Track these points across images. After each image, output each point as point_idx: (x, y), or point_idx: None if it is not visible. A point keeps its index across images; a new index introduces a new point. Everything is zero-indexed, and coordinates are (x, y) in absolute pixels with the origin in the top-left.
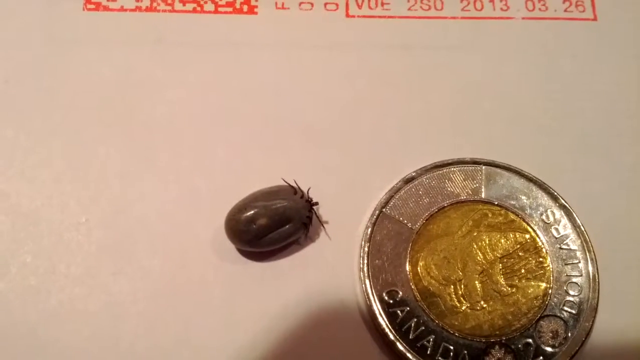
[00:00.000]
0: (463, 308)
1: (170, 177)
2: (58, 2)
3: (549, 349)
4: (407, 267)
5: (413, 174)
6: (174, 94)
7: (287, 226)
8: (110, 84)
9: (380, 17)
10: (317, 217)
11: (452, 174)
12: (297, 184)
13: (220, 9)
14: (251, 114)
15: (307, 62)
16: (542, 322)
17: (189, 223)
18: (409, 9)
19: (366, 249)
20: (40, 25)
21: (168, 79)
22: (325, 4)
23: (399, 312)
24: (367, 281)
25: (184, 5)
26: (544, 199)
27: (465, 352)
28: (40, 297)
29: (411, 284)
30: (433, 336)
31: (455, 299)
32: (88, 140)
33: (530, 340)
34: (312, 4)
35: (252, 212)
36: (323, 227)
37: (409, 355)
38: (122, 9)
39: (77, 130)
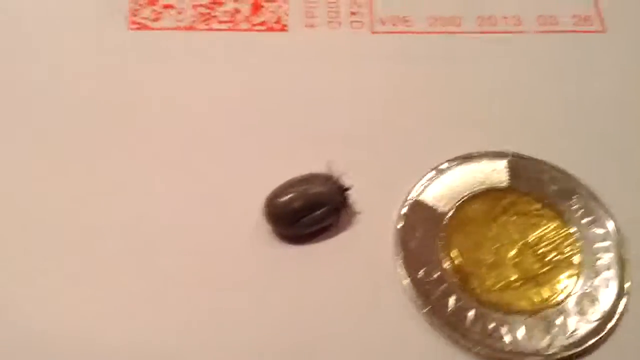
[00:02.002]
0: (497, 287)
1: (208, 166)
2: (103, 21)
3: (582, 326)
4: (441, 251)
5: (444, 163)
6: (212, 105)
7: (321, 210)
8: (151, 98)
9: (403, 32)
10: (351, 202)
11: (481, 164)
12: (331, 171)
13: (254, 27)
14: (284, 120)
15: (335, 74)
16: (574, 301)
17: (225, 211)
18: (429, 25)
19: (399, 232)
20: (85, 46)
21: (205, 91)
22: (352, 22)
23: (435, 291)
24: (402, 262)
25: (220, 24)
26: (572, 188)
27: (502, 327)
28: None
29: (446, 266)
30: (470, 312)
31: (489, 280)
32: (127, 151)
33: (564, 318)
34: (339, 23)
35: (288, 196)
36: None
37: (447, 331)
38: (162, 28)
39: (122, 144)
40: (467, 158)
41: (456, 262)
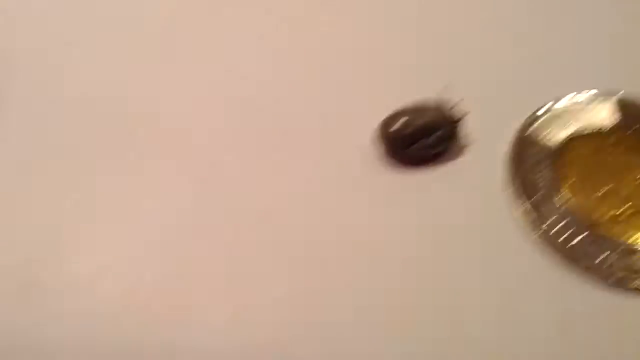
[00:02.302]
0: (608, 216)
1: (324, 93)
2: None
3: None
4: (552, 182)
5: (557, 100)
6: (328, 38)
7: (434, 137)
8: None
9: None
10: (462, 131)
11: (591, 103)
12: (444, 100)
13: None
14: (400, 49)
15: (448, 10)
16: None
17: (338, 136)
18: None
19: (510, 163)
20: None
21: (319, 25)
22: None
23: (547, 219)
24: (513, 191)
25: None
26: None
27: (613, 253)
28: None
29: (557, 196)
30: (582, 238)
31: (601, 210)
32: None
33: None
34: None
35: (401, 121)
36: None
37: (559, 257)
38: None
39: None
40: (577, 96)
41: (567, 192)
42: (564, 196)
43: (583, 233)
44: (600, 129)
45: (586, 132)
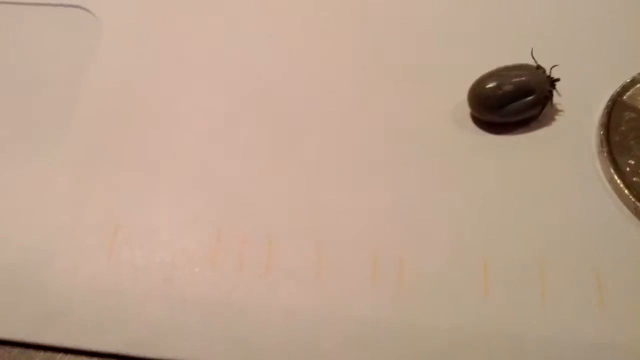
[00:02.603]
0: None
1: (417, 52)
2: None
3: None
4: None
5: None
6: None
7: (529, 98)
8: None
9: None
10: (556, 95)
11: None
12: (540, 63)
13: None
14: (494, 10)
15: None
16: None
17: (428, 96)
18: None
19: (602, 129)
20: None
21: None
22: None
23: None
24: (606, 157)
25: None
26: None
27: None
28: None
29: None
30: None
31: None
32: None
33: None
34: None
35: (498, 81)
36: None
37: None
38: None
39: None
40: None
41: None
42: None
43: None
44: None
45: None
